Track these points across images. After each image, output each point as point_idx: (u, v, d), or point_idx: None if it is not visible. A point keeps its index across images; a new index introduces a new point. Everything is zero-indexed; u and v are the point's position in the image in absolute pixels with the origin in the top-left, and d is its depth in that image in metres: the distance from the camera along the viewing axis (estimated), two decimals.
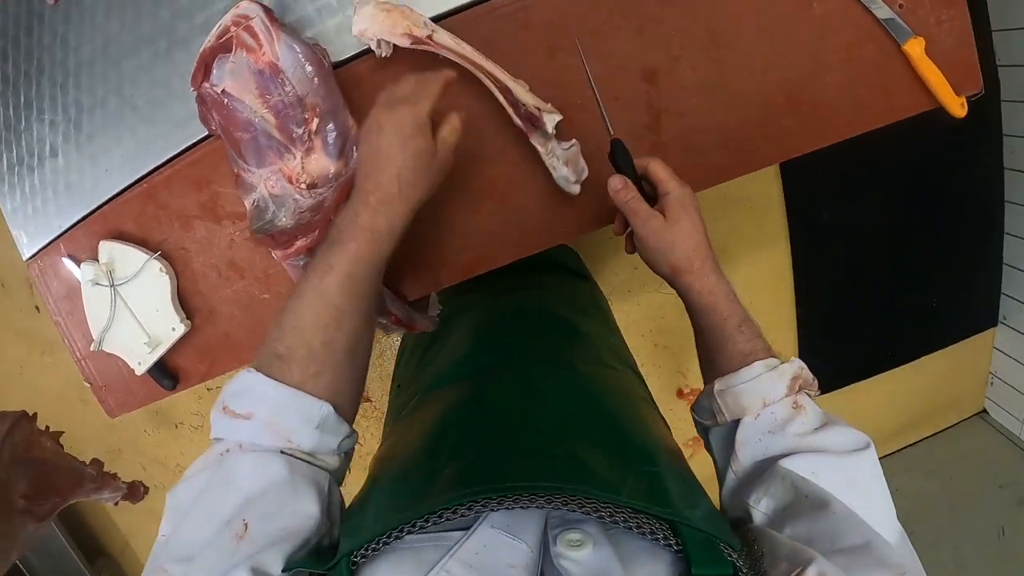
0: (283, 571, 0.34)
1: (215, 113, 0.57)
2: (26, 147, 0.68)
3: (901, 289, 1.65)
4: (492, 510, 0.34)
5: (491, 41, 0.55)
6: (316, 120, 0.55)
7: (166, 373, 0.70)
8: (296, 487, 0.38)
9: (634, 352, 0.77)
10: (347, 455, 0.46)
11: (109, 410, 0.75)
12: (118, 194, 0.66)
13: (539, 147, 0.55)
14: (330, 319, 0.42)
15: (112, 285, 0.66)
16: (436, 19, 0.55)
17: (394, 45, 0.55)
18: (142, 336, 0.66)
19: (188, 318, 0.67)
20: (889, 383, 1.74)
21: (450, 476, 0.39)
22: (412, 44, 0.53)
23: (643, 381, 0.70)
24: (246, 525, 0.34)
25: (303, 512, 0.38)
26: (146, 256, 0.65)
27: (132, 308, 0.67)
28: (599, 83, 0.56)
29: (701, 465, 0.52)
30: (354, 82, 0.58)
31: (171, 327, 0.66)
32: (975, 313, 1.68)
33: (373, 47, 0.56)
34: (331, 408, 0.42)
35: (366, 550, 0.33)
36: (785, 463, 0.40)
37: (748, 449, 0.44)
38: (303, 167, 0.56)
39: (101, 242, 0.66)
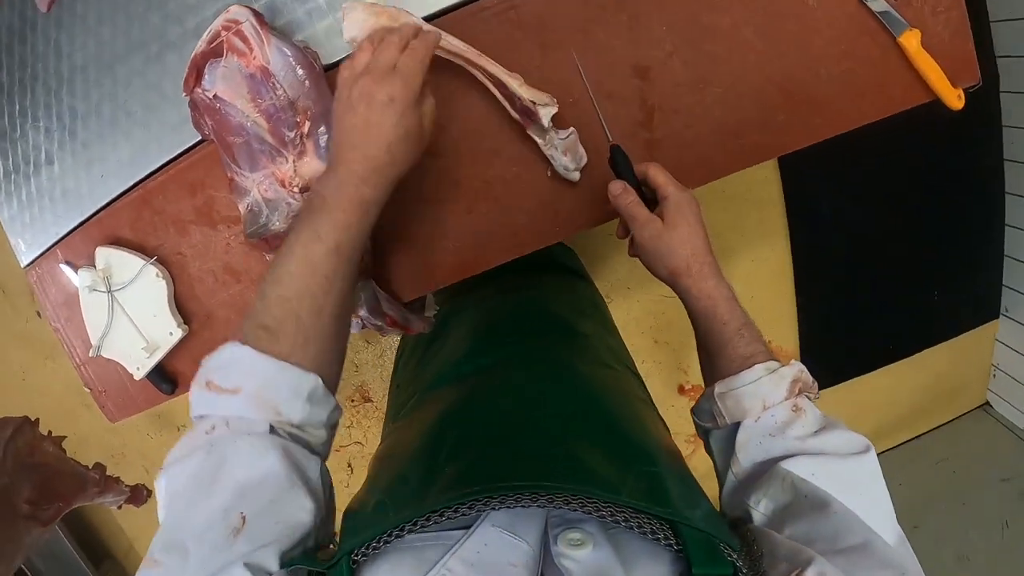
0: (280, 567, 0.33)
1: (208, 118, 0.57)
2: (22, 155, 0.68)
3: (902, 282, 1.65)
4: (493, 509, 0.34)
5: (482, 40, 0.55)
6: (308, 123, 0.55)
7: (165, 377, 0.70)
8: (292, 478, 0.37)
9: (634, 349, 0.77)
10: (332, 428, 0.45)
11: (109, 415, 0.75)
12: (114, 200, 0.66)
13: (537, 139, 0.55)
14: (318, 288, 0.42)
15: (109, 291, 0.66)
16: (426, 20, 0.55)
17: None
18: (140, 341, 0.66)
19: (185, 323, 0.67)
20: (891, 377, 1.74)
21: (450, 476, 0.39)
22: None
23: (642, 382, 0.70)
24: (243, 518, 0.34)
25: (300, 505, 0.37)
26: (142, 261, 0.65)
27: (130, 313, 0.67)
28: (592, 81, 0.56)
29: (701, 462, 0.52)
30: None
31: (168, 332, 0.66)
32: (977, 306, 1.68)
33: None
34: (320, 380, 0.41)
35: (367, 549, 0.33)
36: (785, 464, 0.40)
37: (748, 451, 0.44)
38: (296, 170, 0.56)
39: (98, 248, 0.66)
